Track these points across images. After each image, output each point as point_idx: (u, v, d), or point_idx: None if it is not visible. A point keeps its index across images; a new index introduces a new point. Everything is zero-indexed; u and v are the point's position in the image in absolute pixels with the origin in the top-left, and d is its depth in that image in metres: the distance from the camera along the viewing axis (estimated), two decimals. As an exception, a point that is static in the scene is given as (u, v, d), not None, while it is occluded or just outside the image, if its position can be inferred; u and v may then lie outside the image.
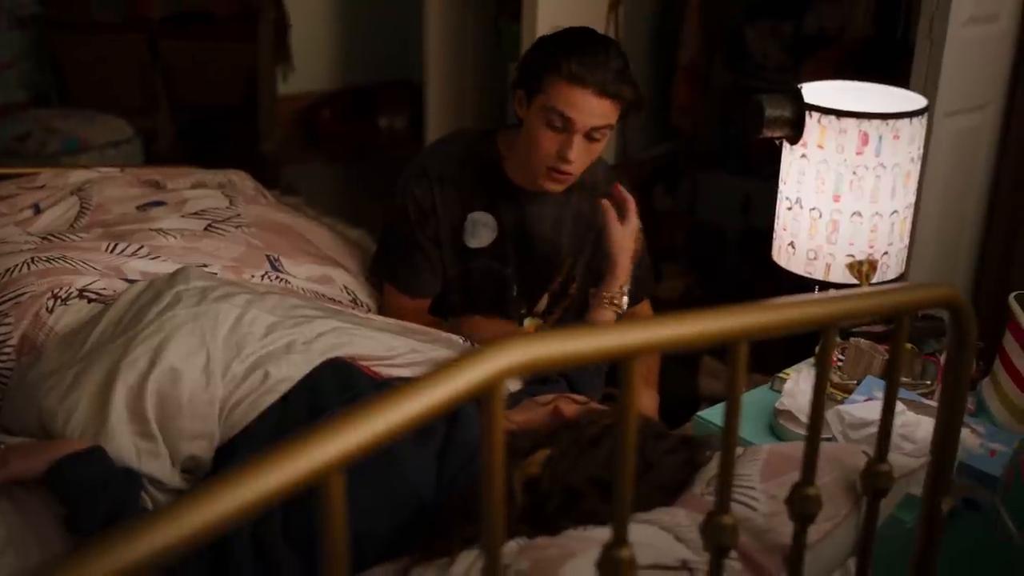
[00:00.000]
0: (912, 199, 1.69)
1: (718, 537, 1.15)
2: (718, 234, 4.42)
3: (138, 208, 2.47)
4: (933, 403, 1.75)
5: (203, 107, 5.98)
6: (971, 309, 1.33)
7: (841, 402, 1.80)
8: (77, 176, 2.61)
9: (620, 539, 1.03)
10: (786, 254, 1.73)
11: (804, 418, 1.79)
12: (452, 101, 4.70)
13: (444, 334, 2.00)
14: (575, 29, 2.07)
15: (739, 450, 1.52)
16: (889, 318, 1.92)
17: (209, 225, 2.34)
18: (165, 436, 1.55)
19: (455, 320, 2.22)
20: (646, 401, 2.12)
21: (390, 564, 1.36)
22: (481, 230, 2.17)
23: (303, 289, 2.14)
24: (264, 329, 1.67)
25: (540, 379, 1.91)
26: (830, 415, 1.72)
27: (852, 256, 1.66)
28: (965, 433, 1.66)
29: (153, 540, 0.72)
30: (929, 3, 2.86)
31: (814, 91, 1.67)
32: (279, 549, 1.38)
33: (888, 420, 1.30)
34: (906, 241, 1.71)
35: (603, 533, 1.16)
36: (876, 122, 1.60)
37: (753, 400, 1.94)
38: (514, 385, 1.87)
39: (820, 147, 1.63)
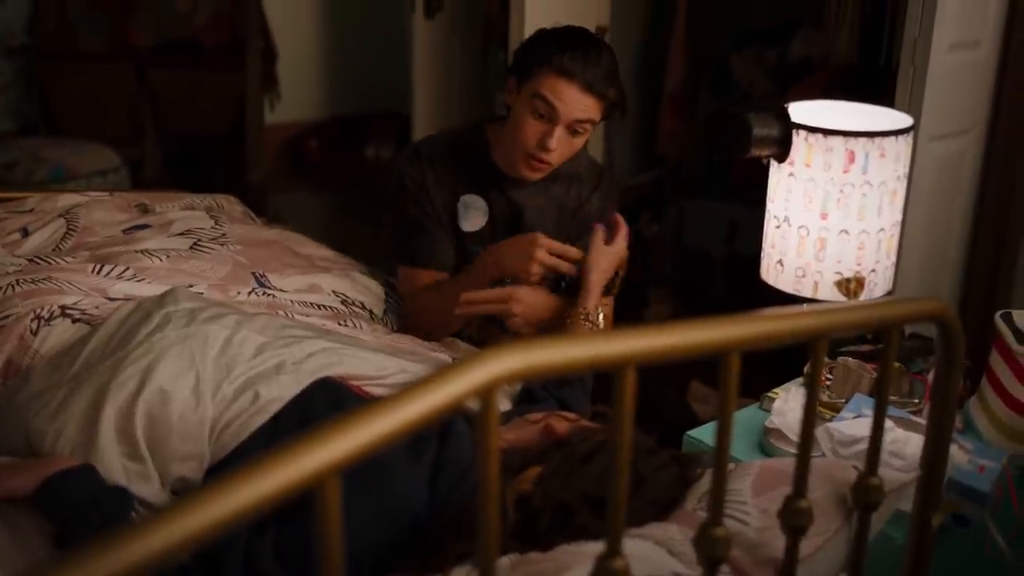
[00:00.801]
0: (899, 217, 1.70)
1: (711, 549, 1.15)
2: (704, 260, 4.43)
3: (124, 231, 2.47)
4: (922, 420, 1.76)
5: (190, 136, 5.99)
6: (959, 322, 1.34)
7: (830, 420, 1.81)
8: (66, 200, 2.61)
9: (614, 550, 1.04)
10: (774, 272, 1.74)
11: (794, 436, 1.79)
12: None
13: (434, 354, 2.00)
14: (573, 27, 2.16)
15: (730, 466, 1.52)
16: (877, 336, 1.94)
17: (195, 244, 2.34)
18: (154, 457, 1.55)
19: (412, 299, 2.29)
20: None
21: (383, 580, 1.36)
22: (473, 213, 2.22)
23: (292, 301, 2.14)
24: (254, 350, 1.66)
25: (530, 399, 1.92)
26: (820, 432, 1.72)
27: (840, 274, 1.67)
28: (953, 449, 1.66)
29: (150, 543, 0.72)
30: (912, 29, 2.89)
31: (801, 110, 1.69)
32: (271, 569, 1.38)
33: (879, 433, 1.31)
34: (893, 259, 1.72)
35: (596, 548, 1.16)
36: (862, 140, 1.61)
37: (742, 419, 1.95)
38: (504, 405, 1.88)
39: (807, 165, 1.65)
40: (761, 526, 1.34)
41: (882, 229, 1.67)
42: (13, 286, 1.89)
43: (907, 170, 1.70)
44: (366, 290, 2.36)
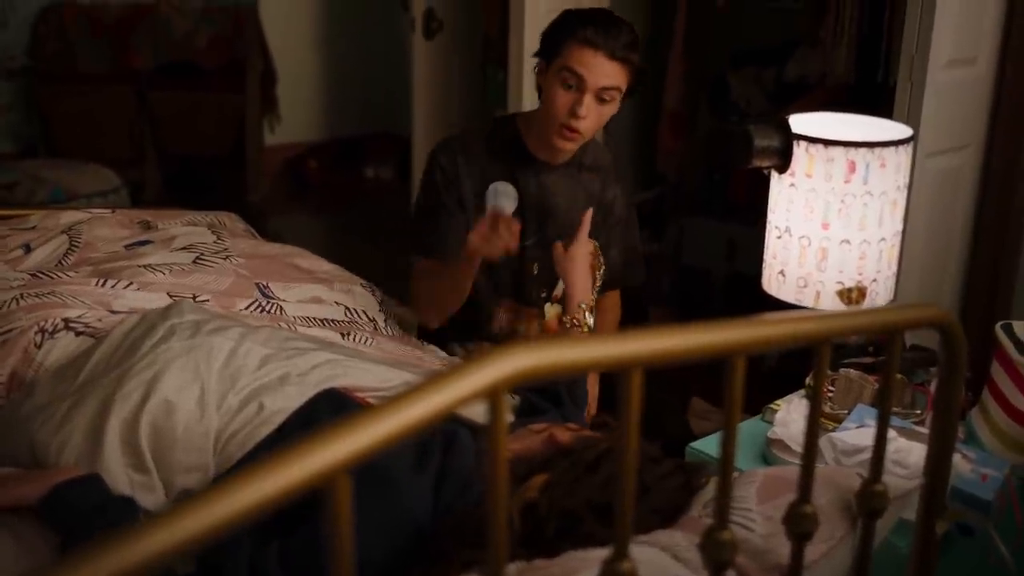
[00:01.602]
0: (899, 227, 1.71)
1: (717, 553, 1.15)
2: (704, 278, 4.44)
3: (126, 247, 2.48)
4: (924, 431, 1.76)
5: (190, 157, 6.01)
6: (961, 329, 1.35)
7: (833, 431, 1.81)
8: (68, 217, 2.62)
9: (621, 553, 1.04)
10: (776, 282, 1.75)
11: (797, 447, 1.80)
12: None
13: (436, 366, 2.01)
14: (594, 8, 2.34)
15: (735, 474, 1.53)
16: (878, 348, 1.94)
17: (197, 258, 2.35)
18: (159, 469, 1.55)
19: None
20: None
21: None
22: (503, 199, 2.23)
23: (295, 317, 2.15)
24: (258, 361, 1.67)
25: (531, 411, 1.93)
26: (823, 442, 1.72)
27: (842, 283, 1.68)
28: (956, 458, 1.67)
29: (152, 543, 0.71)
30: (909, 46, 2.91)
31: (801, 122, 1.70)
32: None
33: (883, 439, 1.31)
34: (894, 268, 1.73)
35: (602, 553, 1.16)
36: (863, 151, 1.62)
37: (745, 431, 1.95)
38: (507, 416, 1.88)
39: (808, 175, 1.66)
40: (767, 532, 1.34)
41: (883, 239, 1.68)
42: (17, 300, 1.89)
43: (907, 180, 1.71)
44: (368, 301, 2.37)
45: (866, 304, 1.70)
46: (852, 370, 1.98)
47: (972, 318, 3.11)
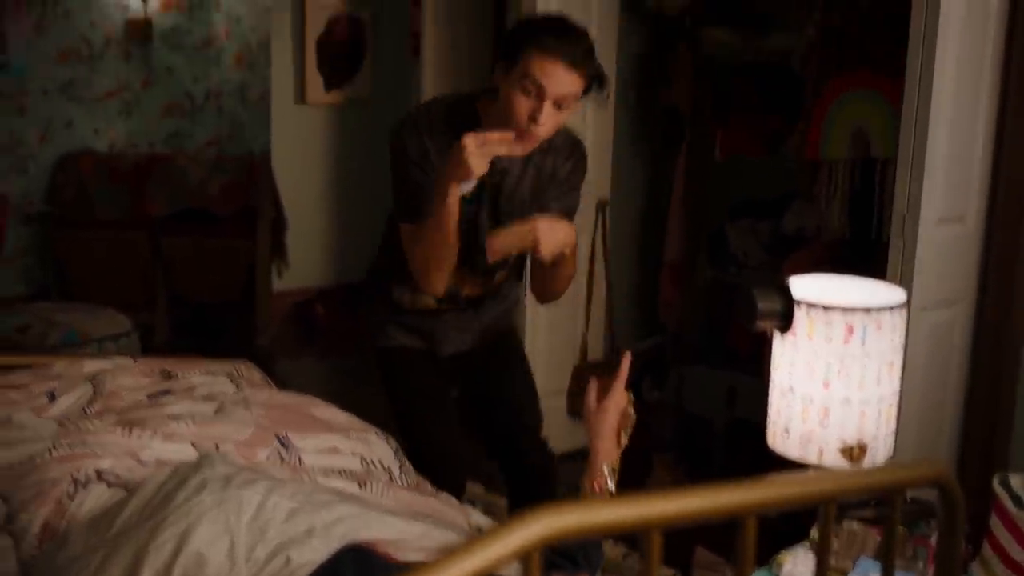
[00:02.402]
0: (897, 386, 1.80)
1: None
2: (705, 425, 4.50)
3: (148, 397, 2.56)
4: (927, 583, 1.82)
5: (200, 302, 6.12)
6: (958, 486, 1.42)
7: (839, 583, 1.86)
8: (91, 366, 2.71)
9: None
10: (781, 439, 1.83)
11: (804, 599, 1.85)
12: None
13: (452, 517, 2.07)
14: (552, 14, 2.54)
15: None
16: (879, 500, 2.01)
17: (219, 408, 2.43)
18: None
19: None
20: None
21: None
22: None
23: (314, 467, 2.21)
24: (285, 514, 1.73)
25: (550, 565, 1.97)
26: (829, 596, 1.77)
27: (843, 441, 1.75)
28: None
29: None
30: (901, 204, 3.05)
31: (801, 285, 1.80)
32: None
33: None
34: (893, 426, 1.81)
35: None
36: (860, 314, 1.72)
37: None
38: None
39: (809, 337, 1.75)
40: None
41: (882, 398, 1.76)
42: (50, 451, 1.96)
43: (903, 341, 1.81)
44: (383, 450, 2.44)
45: (867, 460, 1.77)
46: (855, 522, 2.04)
47: (970, 469, 3.17)
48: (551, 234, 2.44)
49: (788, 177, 4.35)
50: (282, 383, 4.14)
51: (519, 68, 2.32)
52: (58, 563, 1.66)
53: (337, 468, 2.28)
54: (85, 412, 2.46)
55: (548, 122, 2.34)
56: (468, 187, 2.44)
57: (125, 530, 1.67)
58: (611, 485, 2.11)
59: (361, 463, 2.34)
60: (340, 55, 6.13)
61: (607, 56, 4.28)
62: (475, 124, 2.46)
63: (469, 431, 2.82)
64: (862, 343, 1.73)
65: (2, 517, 1.83)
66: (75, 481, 1.85)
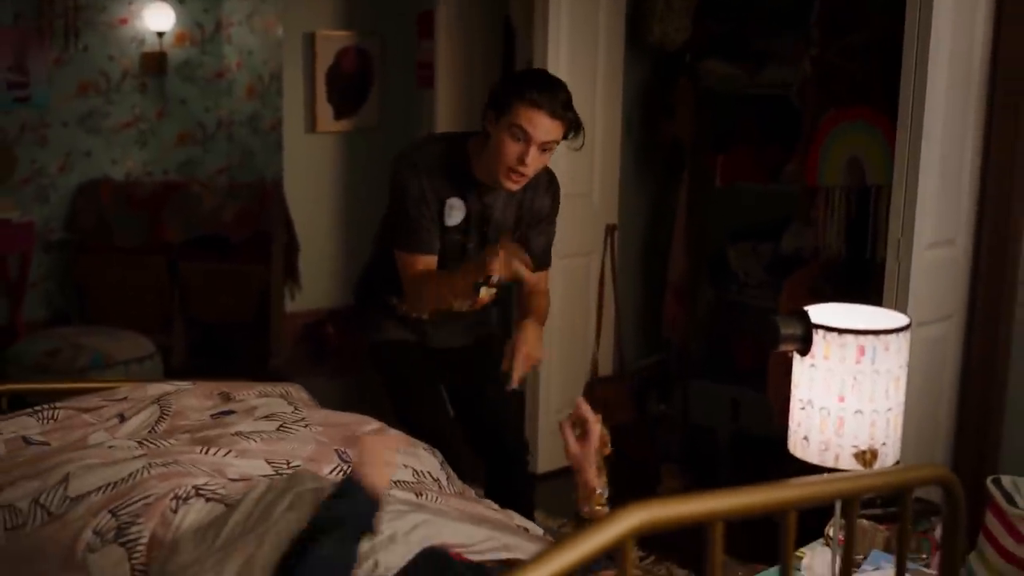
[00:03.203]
0: (902, 398, 2.03)
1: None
2: (710, 437, 4.73)
3: (212, 416, 2.77)
4: (930, 571, 2.05)
5: (215, 324, 6.33)
6: (960, 486, 1.67)
7: (853, 573, 2.10)
8: (155, 389, 2.92)
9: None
10: (801, 446, 2.06)
11: (823, 589, 2.09)
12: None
13: (511, 523, 2.30)
14: (536, 69, 3.12)
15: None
16: (886, 500, 2.25)
17: (280, 427, 2.65)
18: None
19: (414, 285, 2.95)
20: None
21: None
22: (455, 212, 2.92)
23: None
24: None
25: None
26: (846, 585, 2.01)
27: (857, 447, 1.99)
28: (962, 597, 1.96)
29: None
30: (895, 229, 3.30)
31: (818, 312, 2.04)
32: None
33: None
34: (899, 433, 2.04)
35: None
36: (870, 337, 1.96)
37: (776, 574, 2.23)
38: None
39: (826, 358, 1.99)
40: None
41: (890, 409, 2.00)
42: (147, 469, 2.18)
43: (907, 359, 2.05)
44: (431, 463, 2.66)
45: (878, 463, 2.00)
46: (865, 520, 2.28)
47: (964, 470, 3.41)
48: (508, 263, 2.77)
49: (784, 202, 4.58)
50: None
51: (508, 117, 2.73)
52: (169, 570, 1.88)
53: (393, 480, 2.50)
54: (154, 431, 2.67)
55: (533, 164, 2.75)
56: (459, 218, 2.91)
57: (231, 540, 1.89)
58: (605, 506, 2.22)
59: (413, 475, 2.56)
60: (349, 86, 6.36)
61: (613, 89, 4.54)
62: (466, 164, 2.90)
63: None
64: (872, 362, 1.97)
65: (113, 530, 2.04)
66: (176, 497, 2.07)
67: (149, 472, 2.17)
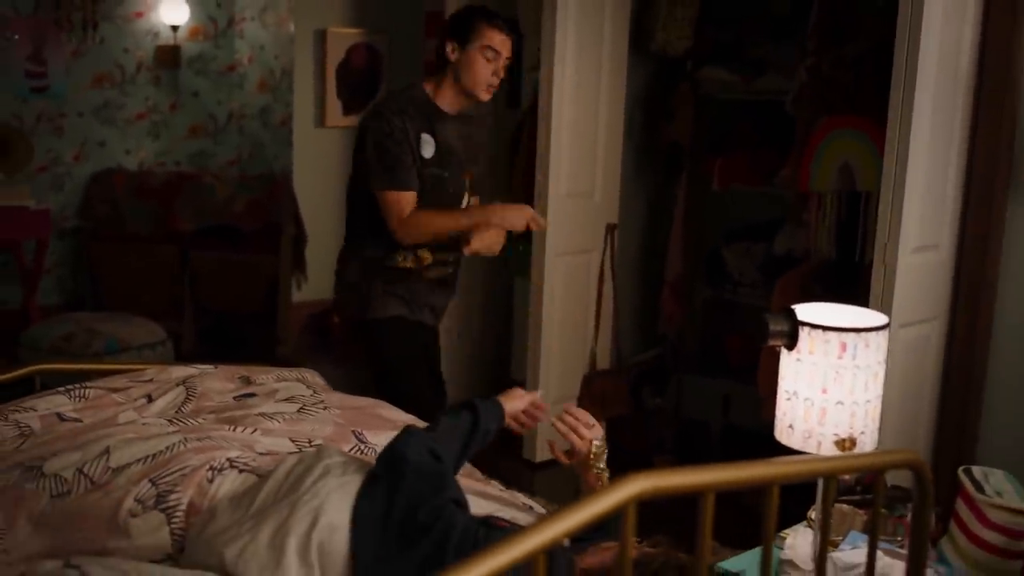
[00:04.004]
0: (880, 391, 2.21)
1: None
2: (703, 430, 4.92)
3: (235, 398, 2.95)
4: (904, 551, 2.23)
5: (225, 312, 6.49)
6: (928, 468, 1.85)
7: (832, 552, 2.28)
8: (179, 372, 3.09)
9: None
10: (787, 434, 2.24)
11: (803, 564, 2.27)
12: (462, 309, 5.25)
13: (516, 501, 2.48)
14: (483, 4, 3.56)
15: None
16: (864, 488, 2.43)
17: (300, 408, 2.82)
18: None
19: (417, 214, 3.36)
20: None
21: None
22: (427, 145, 3.36)
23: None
24: None
25: (579, 538, 2.36)
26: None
27: (837, 435, 2.17)
28: (930, 573, 2.14)
29: None
30: (882, 234, 3.48)
31: (804, 311, 2.22)
32: None
33: (873, 551, 1.79)
34: (877, 423, 2.22)
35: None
36: (851, 335, 2.14)
37: (759, 556, 2.41)
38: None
39: (811, 352, 2.17)
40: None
41: (868, 400, 2.17)
42: (183, 443, 2.36)
43: (885, 356, 2.23)
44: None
45: (857, 451, 2.18)
46: (844, 505, 2.47)
47: (944, 463, 3.60)
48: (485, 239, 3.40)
49: (778, 205, 4.77)
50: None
51: (479, 42, 3.31)
52: (209, 533, 2.05)
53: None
54: (181, 411, 2.85)
55: (501, 74, 3.36)
56: (431, 151, 3.36)
57: (264, 507, 2.06)
58: (605, 471, 2.41)
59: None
60: (358, 81, 6.52)
61: (616, 93, 4.72)
62: (429, 101, 3.39)
63: None
64: (853, 357, 2.15)
65: (153, 497, 2.21)
66: (212, 468, 2.24)
67: (185, 446, 2.34)
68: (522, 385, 4.51)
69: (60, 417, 2.75)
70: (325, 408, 2.84)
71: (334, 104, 6.48)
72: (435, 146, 3.37)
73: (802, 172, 4.28)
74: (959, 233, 3.66)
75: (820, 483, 2.28)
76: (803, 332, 2.18)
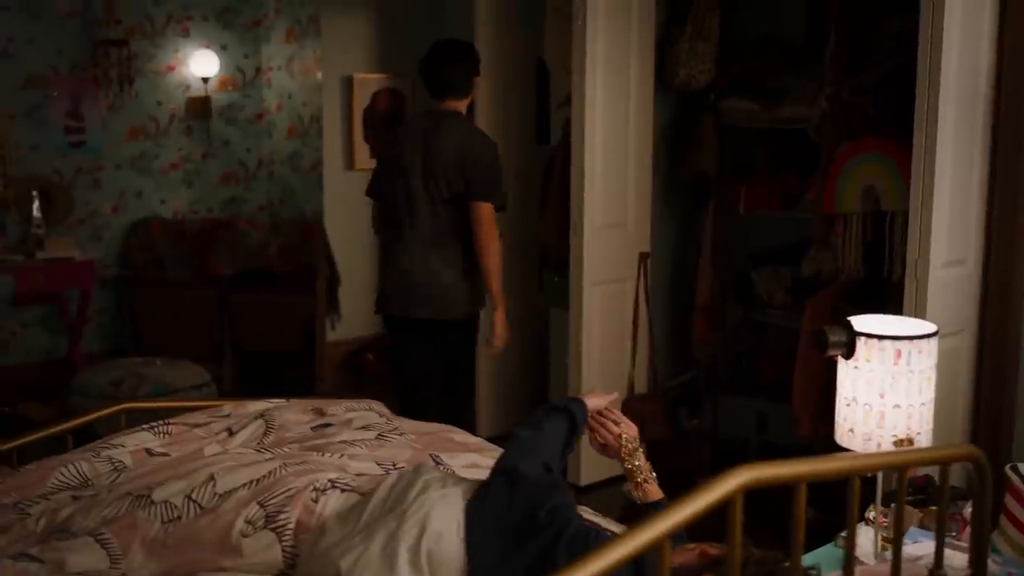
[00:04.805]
0: (933, 394, 2.39)
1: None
2: (740, 449, 5.06)
3: (312, 428, 3.11)
4: (960, 543, 2.40)
5: (262, 353, 6.67)
6: (988, 463, 2.02)
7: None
8: (255, 406, 3.25)
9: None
10: (847, 437, 2.41)
11: (866, 560, 2.43)
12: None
13: (580, 512, 2.65)
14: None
15: (834, 574, 2.17)
16: (917, 489, 2.60)
17: (378, 435, 2.99)
18: None
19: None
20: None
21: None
22: None
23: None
24: None
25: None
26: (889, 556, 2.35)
27: (896, 436, 2.33)
28: (987, 561, 2.30)
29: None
30: (912, 251, 3.64)
31: (860, 322, 2.40)
32: None
33: (941, 539, 1.96)
34: (931, 424, 2.39)
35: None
36: (905, 342, 2.32)
37: (824, 553, 2.57)
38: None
39: (868, 360, 2.34)
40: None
41: (923, 403, 2.35)
42: (283, 468, 2.52)
43: (936, 361, 2.40)
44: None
45: (915, 451, 2.35)
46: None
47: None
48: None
49: (802, 228, 4.92)
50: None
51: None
52: (321, 548, 2.22)
53: (481, 479, 2.84)
54: (262, 443, 3.01)
55: None
56: None
57: (372, 521, 2.22)
58: (650, 480, 2.59)
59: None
60: (383, 125, 6.72)
61: (644, 128, 4.92)
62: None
63: None
64: (908, 363, 2.32)
65: (262, 518, 2.38)
66: (316, 489, 2.41)
67: (285, 470, 2.51)
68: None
69: (149, 452, 2.92)
70: (401, 434, 3.01)
71: (361, 148, 6.67)
72: None
73: (827, 196, 4.45)
74: (985, 248, 3.82)
75: (880, 481, 2.45)
76: (860, 342, 2.35)
